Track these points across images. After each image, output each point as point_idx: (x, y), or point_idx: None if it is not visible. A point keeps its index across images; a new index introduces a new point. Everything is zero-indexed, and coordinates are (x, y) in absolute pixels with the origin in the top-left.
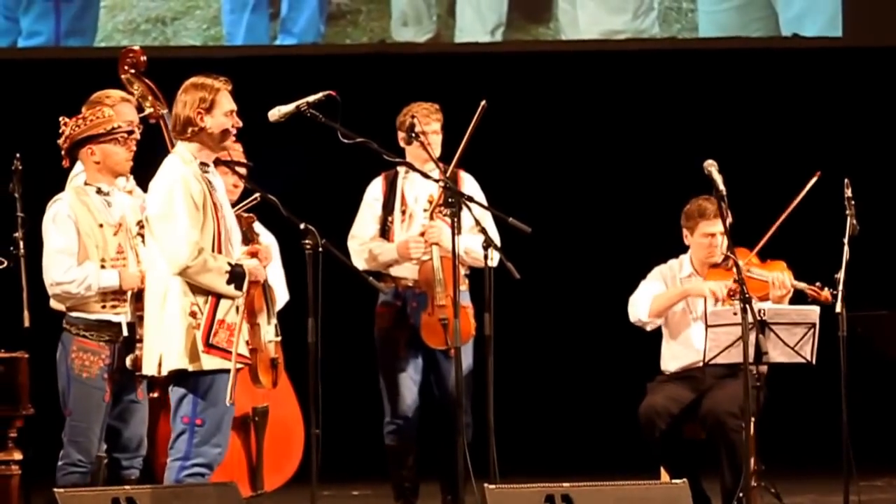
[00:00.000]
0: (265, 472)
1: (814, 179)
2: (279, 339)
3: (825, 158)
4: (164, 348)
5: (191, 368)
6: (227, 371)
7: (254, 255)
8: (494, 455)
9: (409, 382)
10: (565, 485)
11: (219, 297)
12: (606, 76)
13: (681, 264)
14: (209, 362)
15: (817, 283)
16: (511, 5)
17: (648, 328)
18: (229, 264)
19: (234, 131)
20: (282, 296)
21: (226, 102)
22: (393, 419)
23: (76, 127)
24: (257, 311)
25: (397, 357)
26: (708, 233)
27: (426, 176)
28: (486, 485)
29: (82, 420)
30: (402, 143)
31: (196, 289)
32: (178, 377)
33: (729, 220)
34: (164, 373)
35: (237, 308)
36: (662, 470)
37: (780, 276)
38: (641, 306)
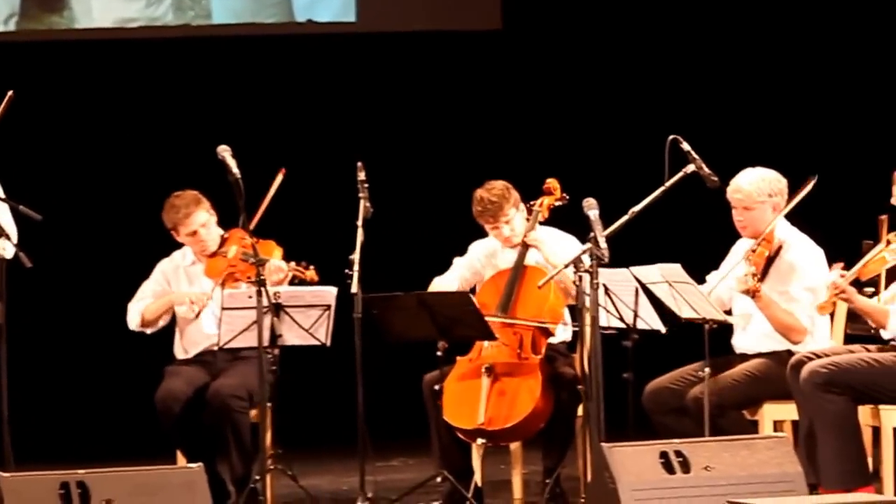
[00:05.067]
0: None
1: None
2: None
3: (339, 143)
4: None
5: None
6: None
7: None
8: (9, 444)
9: None
10: (80, 472)
11: None
12: (121, 65)
13: (184, 254)
14: None
15: (303, 262)
16: None
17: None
18: None
19: None
20: None
21: None
22: None
23: None
24: None
25: None
26: (189, 231)
27: None
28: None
29: None
30: None
31: None
32: None
33: (243, 200)
34: None
35: None
36: (179, 454)
37: (275, 262)
38: (133, 317)
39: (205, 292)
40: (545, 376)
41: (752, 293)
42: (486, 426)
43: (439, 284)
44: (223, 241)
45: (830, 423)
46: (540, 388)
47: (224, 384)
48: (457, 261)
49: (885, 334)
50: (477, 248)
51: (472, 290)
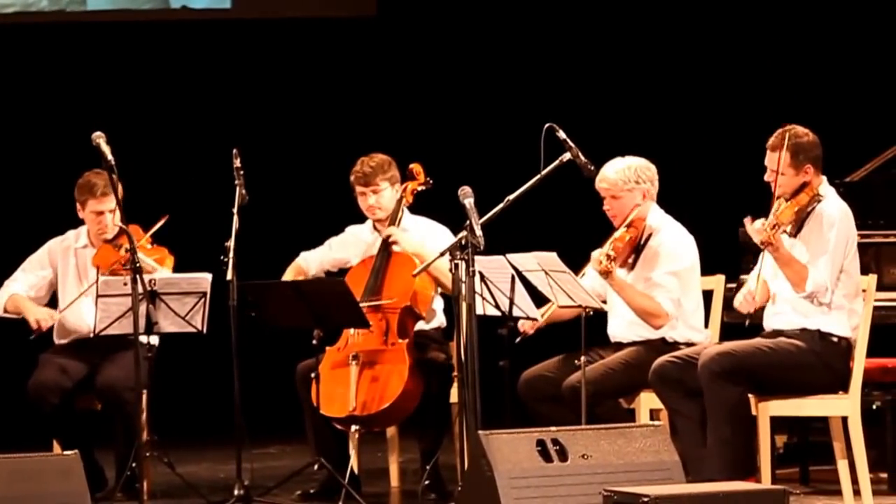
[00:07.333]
0: None
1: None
2: None
3: (215, 129)
4: None
5: None
6: None
7: None
8: None
9: None
10: None
11: None
12: None
13: (77, 235)
14: None
15: None
16: None
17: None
18: None
19: None
20: None
21: None
22: None
23: None
24: None
25: None
26: (97, 210)
27: None
28: None
29: None
30: None
31: None
32: None
33: (120, 193)
34: None
35: None
36: (55, 442)
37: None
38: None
39: (51, 313)
40: (414, 361)
41: (605, 273)
42: (358, 412)
43: (305, 258)
44: (120, 233)
45: (727, 413)
46: (408, 372)
47: (114, 376)
48: (331, 239)
49: (801, 294)
50: (352, 230)
51: (342, 273)
